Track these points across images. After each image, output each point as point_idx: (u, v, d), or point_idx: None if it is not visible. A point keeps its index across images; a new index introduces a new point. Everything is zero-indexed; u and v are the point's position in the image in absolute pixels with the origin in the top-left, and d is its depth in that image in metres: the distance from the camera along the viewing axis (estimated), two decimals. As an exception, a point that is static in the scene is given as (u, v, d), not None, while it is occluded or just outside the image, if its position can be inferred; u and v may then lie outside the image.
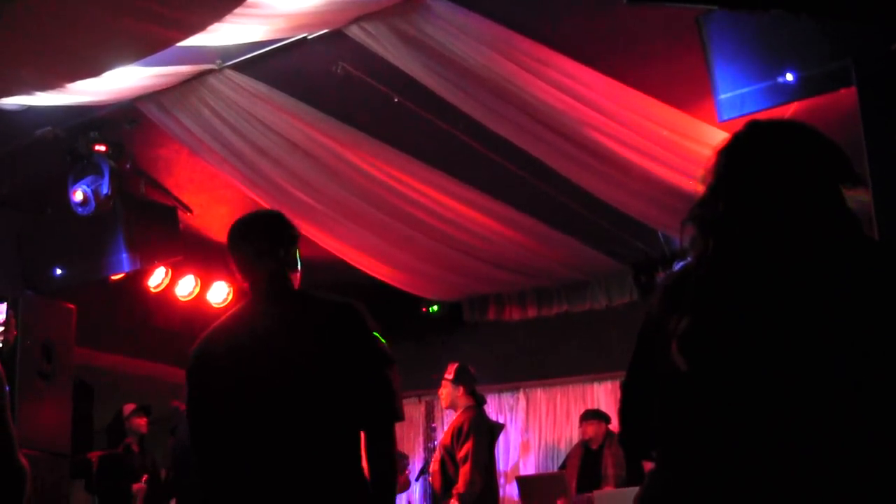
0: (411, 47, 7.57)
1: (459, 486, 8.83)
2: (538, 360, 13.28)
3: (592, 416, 11.06)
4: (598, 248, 11.28)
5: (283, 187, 9.59)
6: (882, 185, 5.78)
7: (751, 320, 2.45)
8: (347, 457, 4.10)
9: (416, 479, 12.37)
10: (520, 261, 11.50)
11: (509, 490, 12.48)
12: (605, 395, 12.61)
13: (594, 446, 10.77)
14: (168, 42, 7.27)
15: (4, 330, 9.42)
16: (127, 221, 9.72)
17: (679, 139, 8.10)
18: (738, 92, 6.50)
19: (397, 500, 12.00)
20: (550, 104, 7.86)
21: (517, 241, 10.75)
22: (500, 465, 12.30)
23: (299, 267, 4.45)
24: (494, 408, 13.38)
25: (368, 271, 11.58)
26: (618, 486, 9.86)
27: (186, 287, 11.68)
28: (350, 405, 4.10)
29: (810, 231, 2.51)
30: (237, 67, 8.19)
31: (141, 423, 10.55)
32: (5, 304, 9.41)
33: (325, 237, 10.75)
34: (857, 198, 2.61)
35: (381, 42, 7.55)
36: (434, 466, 9.39)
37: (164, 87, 8.41)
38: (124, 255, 9.80)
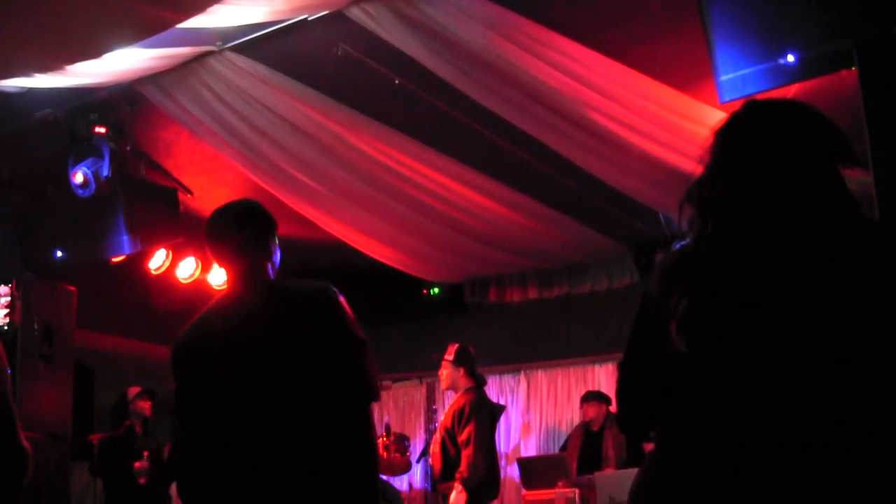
0: (412, 29, 7.55)
1: (462, 470, 8.84)
2: (539, 342, 13.30)
3: (593, 397, 11.06)
4: (598, 230, 11.29)
5: (283, 169, 9.58)
6: (883, 166, 5.77)
7: (750, 301, 2.45)
8: (328, 438, 4.17)
9: (417, 461, 12.37)
10: (521, 242, 11.51)
11: (510, 471, 12.51)
12: (605, 377, 12.62)
13: (595, 428, 10.77)
14: (168, 24, 7.25)
15: (9, 312, 9.43)
16: (127, 203, 9.70)
17: (680, 120, 8.09)
18: (739, 73, 6.48)
19: (398, 482, 12.07)
20: (551, 85, 7.85)
21: (518, 222, 10.76)
22: (501, 446, 12.33)
23: (277, 256, 4.53)
24: (495, 389, 13.40)
25: (369, 254, 11.58)
26: (618, 467, 9.86)
27: (187, 269, 11.67)
28: (327, 387, 4.17)
29: (810, 211, 2.51)
30: (237, 49, 8.16)
31: (145, 406, 10.55)
32: (9, 286, 9.42)
33: (325, 219, 10.75)
34: (858, 179, 2.61)
35: (381, 23, 7.53)
36: (434, 448, 9.39)
37: (164, 68, 8.39)
38: (125, 238, 9.78)
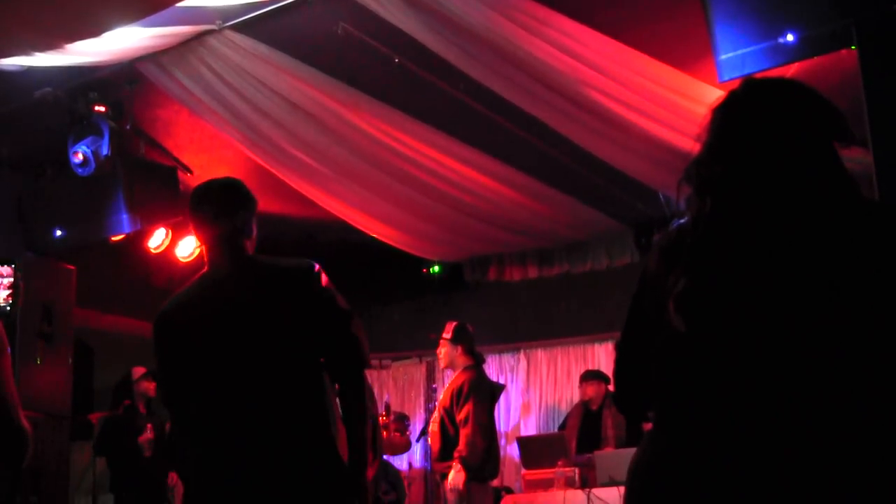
0: (412, 7, 7.54)
1: (461, 449, 8.80)
2: (539, 321, 13.32)
3: (592, 376, 11.06)
4: (598, 209, 11.29)
5: (283, 148, 9.58)
6: (883, 145, 5.78)
7: (749, 280, 2.45)
8: (312, 410, 4.27)
9: (417, 440, 12.39)
10: (521, 221, 11.51)
11: (510, 450, 12.54)
12: (605, 356, 12.64)
13: (594, 407, 10.77)
14: (168, 2, 7.24)
15: (11, 293, 9.45)
16: (127, 182, 9.70)
17: (679, 99, 8.09)
18: (738, 52, 6.48)
19: (398, 461, 12.09)
20: (550, 64, 7.85)
21: (518, 201, 10.76)
22: (501, 425, 12.36)
23: (253, 234, 4.58)
24: (495, 368, 13.43)
25: (370, 232, 11.59)
26: (617, 446, 9.86)
27: (187, 248, 11.66)
28: (312, 359, 4.31)
29: (809, 191, 2.51)
30: (237, 28, 8.15)
31: (150, 386, 10.55)
32: (11, 266, 9.44)
33: (325, 198, 10.75)
34: (857, 159, 2.61)
35: (381, 2, 7.52)
36: (433, 427, 9.36)
37: (164, 47, 8.38)
38: (124, 216, 9.78)
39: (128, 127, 9.46)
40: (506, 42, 7.69)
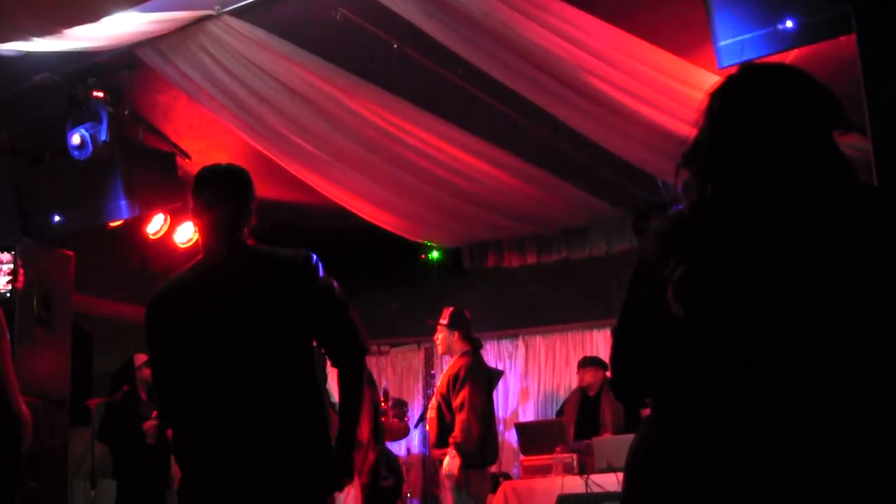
0: (411, -7, 7.55)
1: (456, 435, 8.76)
2: (537, 307, 13.33)
3: (590, 362, 11.08)
4: (597, 195, 11.28)
5: (281, 133, 9.57)
6: (881, 132, 5.77)
7: (749, 266, 2.45)
8: (301, 396, 4.32)
9: (415, 426, 12.41)
10: (519, 207, 11.50)
11: (508, 436, 12.55)
12: (603, 342, 12.66)
13: (592, 393, 10.79)
14: (166, -13, 7.25)
15: (12, 279, 9.44)
16: (125, 168, 9.69)
17: (678, 86, 8.09)
18: (737, 39, 6.48)
19: (396, 447, 12.09)
20: (549, 50, 7.84)
21: (517, 187, 10.75)
22: (499, 411, 12.37)
23: (252, 223, 4.58)
24: (493, 354, 13.45)
25: (368, 218, 11.58)
26: (616, 432, 9.88)
27: (185, 233, 11.65)
28: (304, 347, 4.36)
29: (809, 177, 2.51)
30: (235, 13, 8.14)
31: (152, 373, 10.55)
32: (11, 253, 9.43)
33: (323, 183, 10.74)
34: (855, 145, 2.61)
35: (380, -13, 7.53)
36: (431, 414, 9.34)
37: (163, 32, 8.37)
38: (123, 202, 9.78)
39: (126, 112, 9.46)
40: (505, 28, 7.68)
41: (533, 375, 13.40)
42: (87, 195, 9.99)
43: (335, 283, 4.45)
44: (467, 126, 9.59)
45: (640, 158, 9.66)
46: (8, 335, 6.06)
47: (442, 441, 8.98)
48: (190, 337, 4.35)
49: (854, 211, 2.47)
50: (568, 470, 8.78)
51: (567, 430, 9.94)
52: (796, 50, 6.58)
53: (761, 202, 2.50)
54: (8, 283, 9.44)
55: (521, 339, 13.62)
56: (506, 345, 13.72)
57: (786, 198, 2.48)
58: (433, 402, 9.38)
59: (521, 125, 9.23)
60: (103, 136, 8.97)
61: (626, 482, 2.71)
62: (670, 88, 8.14)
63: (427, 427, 9.76)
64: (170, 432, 4.61)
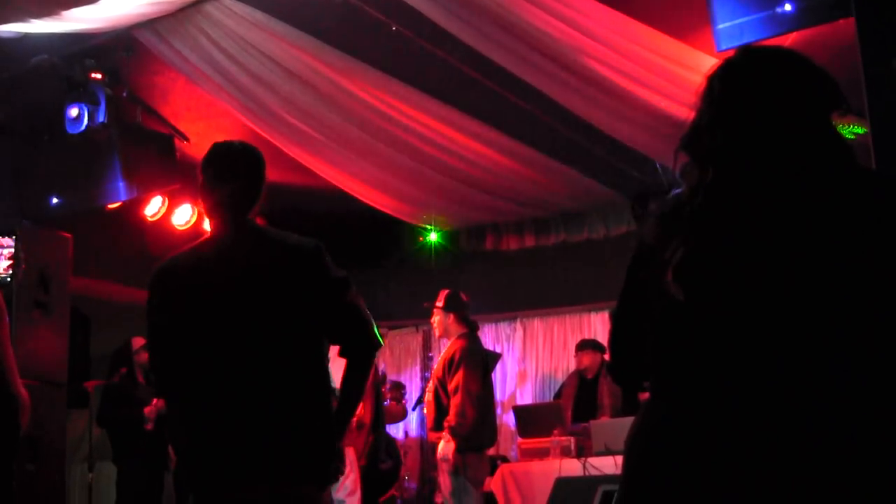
0: (410, -25, 7.54)
1: (450, 418, 8.69)
2: (535, 290, 13.32)
3: (588, 345, 11.07)
4: (596, 178, 11.28)
5: (280, 115, 9.57)
6: (880, 115, 5.76)
7: (749, 249, 2.44)
8: (309, 382, 4.29)
9: (413, 409, 12.42)
10: (518, 190, 11.50)
11: (506, 419, 12.56)
12: (601, 325, 12.65)
13: (590, 376, 10.79)
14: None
15: (13, 263, 9.45)
16: (123, 150, 9.69)
17: (677, 69, 8.08)
18: (736, 21, 6.47)
19: (393, 429, 12.09)
20: (548, 32, 7.83)
21: (515, 170, 10.75)
22: (497, 394, 12.36)
23: (258, 205, 4.48)
24: (491, 337, 13.45)
25: (366, 200, 11.58)
26: (613, 416, 9.87)
27: (183, 216, 11.65)
28: (309, 333, 4.30)
29: (808, 160, 2.50)
30: (234, -5, 8.15)
31: (150, 357, 10.53)
32: (12, 237, 9.44)
33: (322, 166, 10.75)
34: (855, 129, 2.61)
35: (379, -31, 7.52)
36: (428, 397, 9.30)
37: (161, 14, 8.36)
38: (121, 184, 9.78)
39: (124, 94, 9.46)
40: (503, 9, 7.67)
41: (531, 358, 13.41)
42: (85, 177, 9.99)
43: (344, 276, 4.38)
44: (466, 109, 9.59)
45: (639, 141, 9.66)
46: (7, 318, 6.06)
47: (439, 424, 8.91)
48: (195, 315, 4.26)
49: (853, 194, 2.46)
50: (566, 453, 8.80)
51: (565, 413, 9.95)
52: (795, 33, 6.57)
53: (762, 185, 2.49)
54: (8, 267, 9.44)
55: (519, 321, 13.62)
56: (504, 327, 13.72)
57: (786, 181, 2.48)
58: (430, 385, 9.34)
59: (519, 107, 9.22)
60: (101, 118, 8.96)
61: (626, 466, 2.70)
62: (669, 71, 8.14)
63: (425, 410, 9.74)
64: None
